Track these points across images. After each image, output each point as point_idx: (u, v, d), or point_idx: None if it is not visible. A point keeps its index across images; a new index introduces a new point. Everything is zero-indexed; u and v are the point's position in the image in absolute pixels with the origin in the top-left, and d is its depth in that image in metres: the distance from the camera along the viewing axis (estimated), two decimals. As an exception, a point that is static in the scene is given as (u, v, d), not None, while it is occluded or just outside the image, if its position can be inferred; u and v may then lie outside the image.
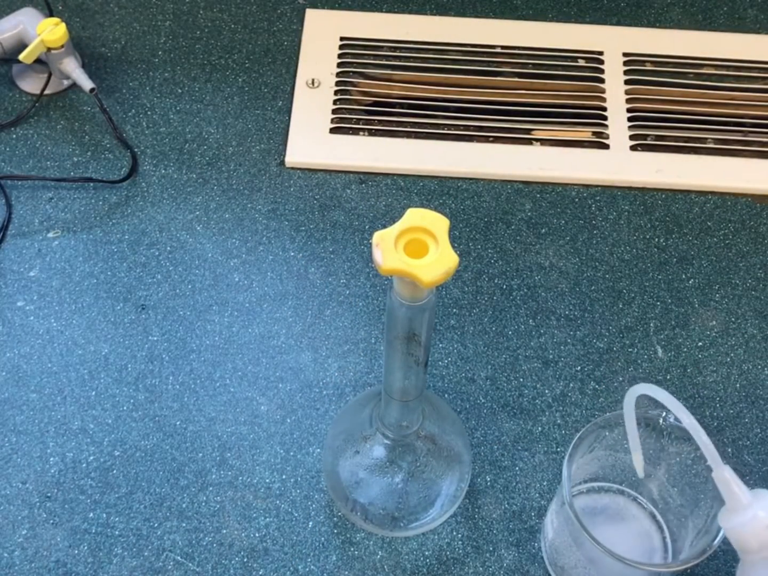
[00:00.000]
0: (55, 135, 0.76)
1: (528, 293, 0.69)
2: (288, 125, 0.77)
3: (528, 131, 0.78)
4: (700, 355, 0.66)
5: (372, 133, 0.77)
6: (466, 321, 0.67)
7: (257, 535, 0.58)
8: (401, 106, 0.79)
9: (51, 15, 0.80)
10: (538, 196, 0.74)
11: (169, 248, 0.70)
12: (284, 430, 0.62)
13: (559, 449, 0.62)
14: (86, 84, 0.74)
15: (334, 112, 0.78)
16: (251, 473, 0.60)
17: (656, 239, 0.72)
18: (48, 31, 0.73)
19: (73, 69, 0.75)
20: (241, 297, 0.68)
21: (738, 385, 0.64)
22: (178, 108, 0.78)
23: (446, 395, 0.64)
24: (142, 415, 0.62)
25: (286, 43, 0.83)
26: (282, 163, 0.75)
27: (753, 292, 0.69)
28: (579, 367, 0.65)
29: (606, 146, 0.76)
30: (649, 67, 0.82)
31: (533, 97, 0.80)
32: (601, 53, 0.82)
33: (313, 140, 0.76)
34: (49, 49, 0.74)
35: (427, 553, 0.58)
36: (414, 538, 0.58)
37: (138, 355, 0.65)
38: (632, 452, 0.51)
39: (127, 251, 0.70)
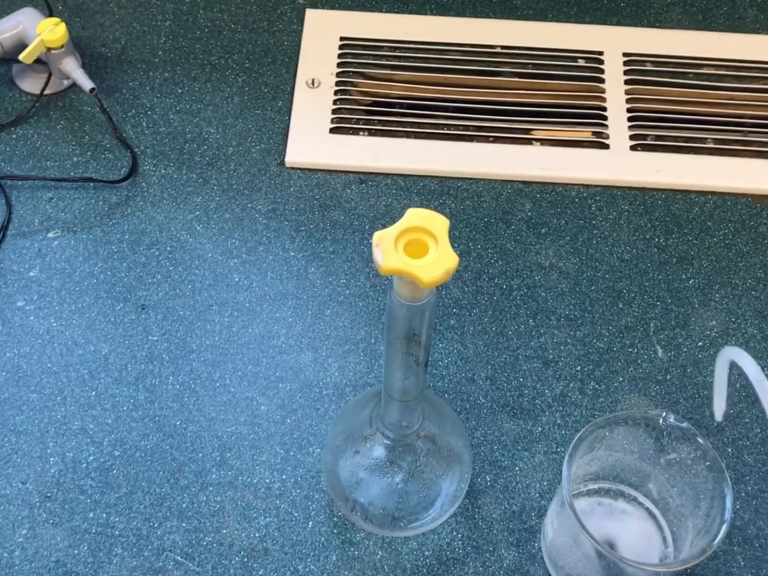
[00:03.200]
0: (55, 135, 0.76)
1: (528, 293, 0.69)
2: (288, 125, 0.77)
3: (528, 131, 0.78)
4: (700, 355, 0.66)
5: (372, 133, 0.77)
6: (466, 321, 0.67)
7: (257, 535, 0.58)
8: (401, 106, 0.79)
9: (51, 15, 0.80)
10: (538, 196, 0.74)
11: (169, 248, 0.70)
12: (284, 430, 0.62)
13: (559, 449, 0.62)
14: (86, 84, 0.74)
15: (334, 112, 0.78)
16: (251, 473, 0.60)
17: (656, 239, 0.72)
18: (48, 31, 0.73)
19: (73, 69, 0.75)
20: (241, 297, 0.68)
21: (738, 385, 0.64)
22: (178, 108, 0.78)
23: (446, 395, 0.64)
24: (142, 415, 0.62)
25: (286, 43, 0.83)
26: (282, 163, 0.75)
27: (753, 292, 0.69)
28: (579, 367, 0.65)
29: (606, 146, 0.76)
30: (649, 67, 0.82)
31: (533, 97, 0.80)
32: (601, 53, 0.82)
33: (313, 140, 0.76)
34: (49, 49, 0.74)
35: (427, 553, 0.58)
36: (414, 538, 0.58)
37: (138, 355, 0.65)
38: (716, 398, 0.53)
39: (127, 251, 0.70)
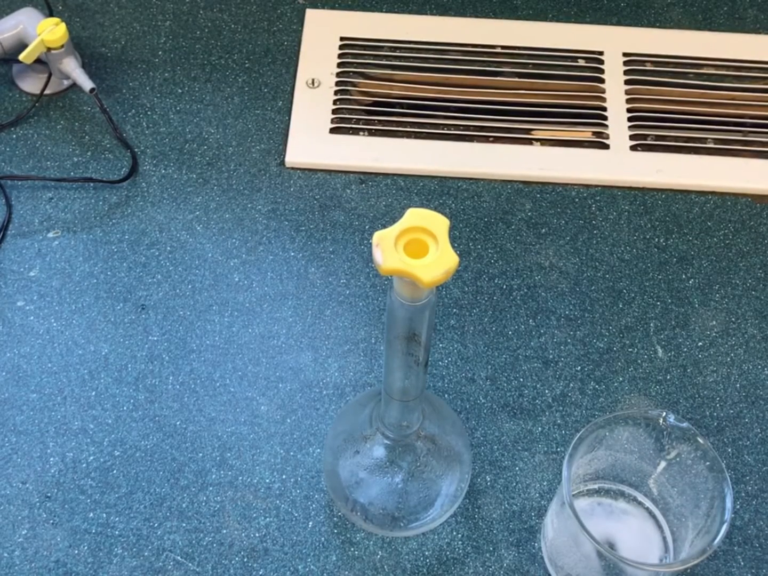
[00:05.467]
0: (55, 135, 0.76)
1: (528, 293, 0.69)
2: (288, 125, 0.77)
3: (528, 131, 0.78)
4: (700, 355, 0.66)
5: (372, 133, 0.77)
6: (466, 321, 0.67)
7: (257, 535, 0.58)
8: (401, 106, 0.79)
9: (51, 15, 0.80)
10: (538, 196, 0.74)
11: (169, 248, 0.70)
12: (284, 430, 0.62)
13: (559, 449, 0.62)
14: (86, 84, 0.74)
15: (334, 112, 0.78)
16: (251, 473, 0.60)
17: (656, 239, 0.72)
18: (48, 31, 0.73)
19: (73, 69, 0.75)
20: (241, 297, 0.68)
21: (738, 385, 0.64)
22: (178, 108, 0.78)
23: (446, 395, 0.64)
24: (142, 415, 0.62)
25: (286, 43, 0.83)
26: (282, 163, 0.75)
27: (753, 292, 0.69)
28: (579, 367, 0.65)
29: (606, 146, 0.76)
30: (649, 67, 0.82)
31: (533, 97, 0.80)
32: (601, 53, 0.82)
33: (313, 140, 0.76)
34: (49, 49, 0.74)
35: (427, 553, 0.58)
36: (414, 538, 0.58)
37: (138, 355, 0.65)
38: None
39: (127, 251, 0.70)
